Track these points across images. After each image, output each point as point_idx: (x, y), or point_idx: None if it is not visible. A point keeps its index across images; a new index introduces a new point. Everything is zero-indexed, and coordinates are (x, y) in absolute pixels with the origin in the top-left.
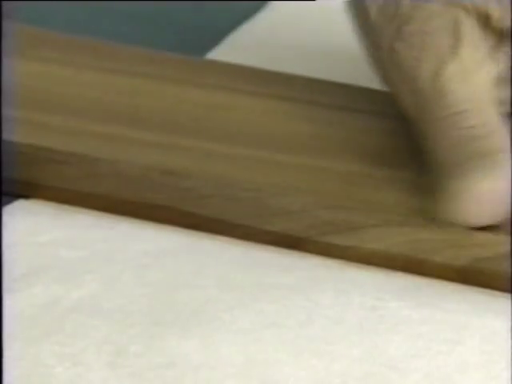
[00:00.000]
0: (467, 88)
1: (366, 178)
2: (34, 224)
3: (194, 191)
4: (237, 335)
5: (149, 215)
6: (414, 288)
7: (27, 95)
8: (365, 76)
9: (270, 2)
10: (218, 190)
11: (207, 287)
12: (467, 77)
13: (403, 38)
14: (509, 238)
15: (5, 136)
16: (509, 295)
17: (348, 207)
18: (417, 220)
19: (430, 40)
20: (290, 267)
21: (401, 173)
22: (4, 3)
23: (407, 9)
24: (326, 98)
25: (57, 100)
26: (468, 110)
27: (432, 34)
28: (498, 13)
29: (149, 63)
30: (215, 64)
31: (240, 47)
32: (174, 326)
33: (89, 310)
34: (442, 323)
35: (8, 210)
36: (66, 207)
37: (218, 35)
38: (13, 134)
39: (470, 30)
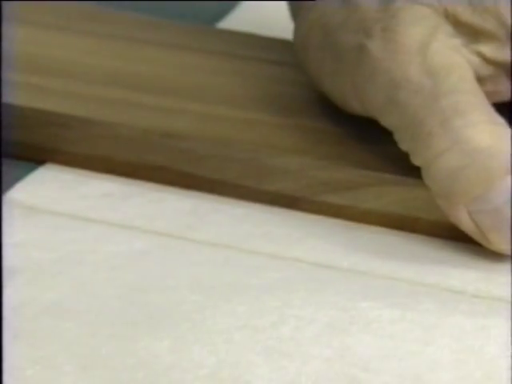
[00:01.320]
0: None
1: (361, 139)
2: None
3: (192, 152)
4: (208, 336)
5: (148, 176)
6: (385, 288)
7: (28, 60)
8: None
9: (241, 2)
10: (216, 151)
11: (178, 288)
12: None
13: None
14: None
15: (5, 99)
16: (480, 295)
17: (344, 167)
18: (412, 179)
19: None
20: (261, 267)
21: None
22: None
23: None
24: None
25: (58, 65)
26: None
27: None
28: (466, 12)
29: (147, 29)
30: (214, 31)
31: None
32: (145, 328)
33: (60, 312)
34: (412, 323)
35: None
36: (35, 208)
37: None
38: (14, 98)
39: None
